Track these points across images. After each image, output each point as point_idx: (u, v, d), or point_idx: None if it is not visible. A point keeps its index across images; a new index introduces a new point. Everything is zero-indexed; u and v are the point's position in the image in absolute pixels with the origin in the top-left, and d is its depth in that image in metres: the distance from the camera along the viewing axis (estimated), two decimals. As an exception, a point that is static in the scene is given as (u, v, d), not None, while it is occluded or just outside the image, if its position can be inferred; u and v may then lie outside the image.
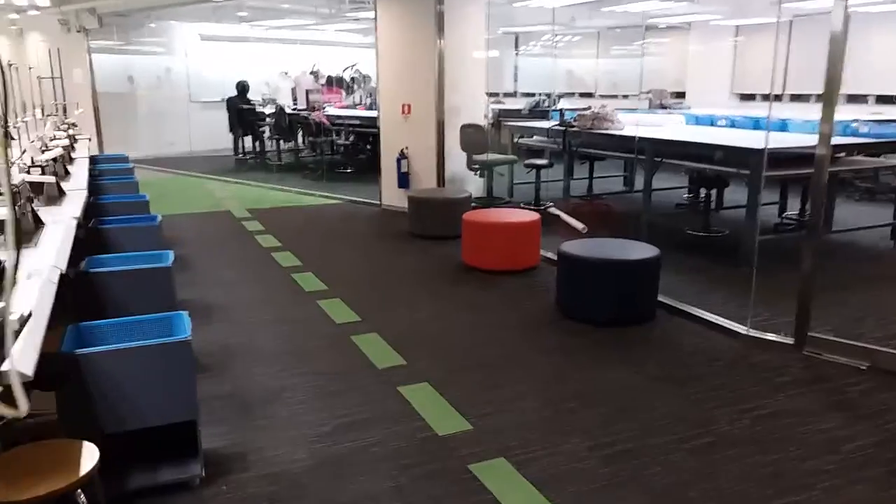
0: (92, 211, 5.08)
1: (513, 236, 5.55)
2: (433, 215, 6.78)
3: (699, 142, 6.17)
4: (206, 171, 11.02)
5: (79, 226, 4.50)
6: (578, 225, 6.81)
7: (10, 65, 9.05)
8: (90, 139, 8.91)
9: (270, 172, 11.28)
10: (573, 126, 7.30)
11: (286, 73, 14.29)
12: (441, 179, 7.77)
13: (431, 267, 5.80)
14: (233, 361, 3.85)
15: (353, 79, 15.19)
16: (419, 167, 7.92)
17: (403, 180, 7.99)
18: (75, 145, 7.53)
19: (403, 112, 7.89)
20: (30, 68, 8.92)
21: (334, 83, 14.55)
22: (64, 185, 4.76)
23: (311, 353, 3.98)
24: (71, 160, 6.15)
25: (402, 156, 7.94)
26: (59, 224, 3.40)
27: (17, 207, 3.06)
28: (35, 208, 3.36)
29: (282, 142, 12.27)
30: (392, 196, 8.15)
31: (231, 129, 12.39)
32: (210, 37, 14.09)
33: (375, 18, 7.97)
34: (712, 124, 7.85)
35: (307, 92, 12.10)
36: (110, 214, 5.17)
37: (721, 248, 6.42)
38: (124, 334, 2.77)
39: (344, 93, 14.46)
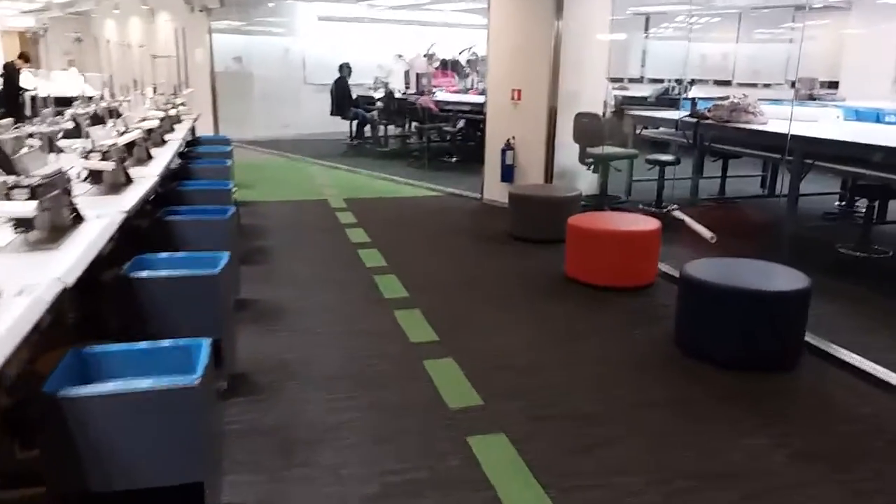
0: (166, 199, 4.79)
1: (627, 247, 4.76)
2: (536, 215, 6.06)
3: (877, 145, 4.99)
4: (314, 155, 10.80)
5: (144, 216, 4.20)
6: (706, 233, 5.87)
7: (126, 44, 9.18)
8: (196, 119, 8.83)
9: (376, 159, 10.91)
10: (707, 118, 6.33)
11: (400, 56, 13.89)
12: (549, 174, 7.03)
13: (528, 277, 5.11)
14: (286, 384, 3.36)
15: (468, 62, 14.63)
16: (526, 159, 7.21)
17: (507, 173, 7.31)
18: (176, 125, 7.40)
19: (513, 98, 7.19)
20: (140, 46, 9.03)
21: (449, 66, 14.02)
22: (139, 169, 4.48)
23: (374, 380, 3.42)
24: (162, 141, 5.94)
25: (508, 146, 7.25)
26: (103, 219, 3.02)
27: (44, 201, 2.60)
28: (74, 202, 2.99)
29: (391, 127, 11.88)
30: (494, 190, 7.50)
31: (338, 112, 12.12)
32: (327, 17, 13.91)
33: (488, -4, 7.32)
34: (878, 120, 6.62)
35: (418, 76, 11.63)
36: (185, 203, 4.86)
37: (885, 273, 5.31)
38: (133, 364, 2.27)
39: (457, 77, 13.92)
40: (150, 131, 5.64)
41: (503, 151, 7.27)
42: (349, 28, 14.12)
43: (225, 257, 3.20)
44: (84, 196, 3.50)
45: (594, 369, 3.58)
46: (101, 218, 3.02)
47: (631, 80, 14.14)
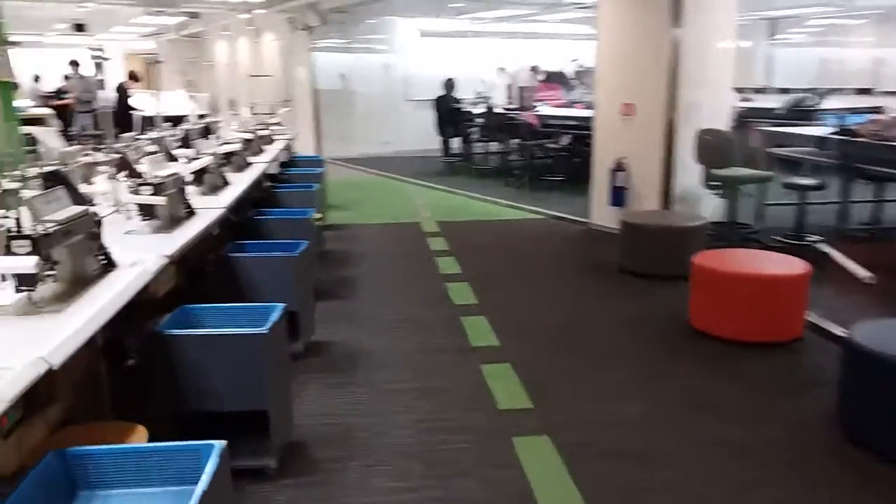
0: (240, 229, 4.42)
1: (768, 295, 3.89)
2: (652, 247, 5.28)
3: None
4: (412, 174, 10.39)
5: (210, 250, 3.80)
6: (862, 273, 4.91)
7: (228, 64, 9.13)
8: (293, 138, 8.61)
9: (474, 178, 10.36)
10: (860, 135, 5.34)
11: (503, 69, 13.33)
12: (666, 198, 6.20)
13: (642, 325, 4.35)
14: (347, 463, 2.80)
15: (575, 74, 13.90)
16: (639, 181, 6.41)
17: (618, 197, 6.53)
18: (268, 146, 7.15)
19: (624, 113, 6.43)
20: (229, 65, 8.99)
21: (553, 79, 13.33)
22: (208, 199, 4.12)
23: (452, 463, 2.80)
24: (246, 165, 5.62)
25: (619, 166, 6.48)
26: (135, 268, 2.58)
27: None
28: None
29: (491, 144, 11.30)
30: (602, 214, 6.74)
31: (439, 130, 11.67)
32: (429, 32, 13.57)
33: (599, 1, 6.62)
34: None
35: (521, 89, 11.01)
36: (260, 233, 4.48)
37: None
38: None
39: (563, 89, 13.20)
40: (230, 154, 5.34)
41: (613, 172, 6.51)
42: (451, 43, 13.72)
43: (277, 311, 2.68)
44: (131, 235, 3.13)
45: (732, 463, 2.80)
46: (135, 266, 2.58)
47: (755, 90, 12.91)
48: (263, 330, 2.51)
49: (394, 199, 8.88)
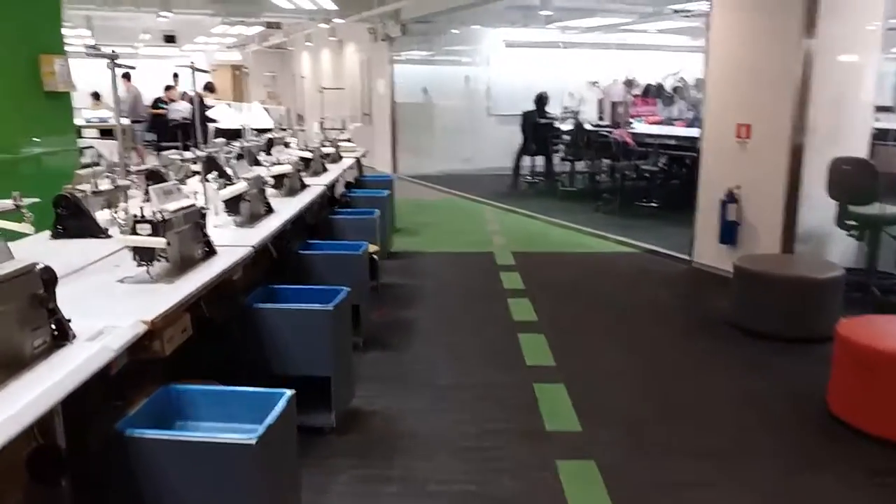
0: (278, 267, 3.80)
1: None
2: (775, 302, 4.29)
3: None
4: (490, 195, 9.61)
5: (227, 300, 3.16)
6: None
7: (301, 76, 8.70)
8: (363, 155, 8.03)
9: (557, 200, 9.49)
10: None
11: (595, 83, 12.40)
12: (788, 238, 5.18)
13: (764, 409, 3.40)
14: None
15: (674, 89, 12.82)
16: (755, 216, 5.42)
17: (729, 233, 5.55)
18: (332, 165, 6.57)
19: (739, 135, 5.46)
20: (302, 77, 8.59)
21: (650, 93, 12.30)
22: (239, 233, 3.48)
23: None
24: (300, 187, 5.02)
25: (731, 198, 5.51)
26: (97, 342, 1.92)
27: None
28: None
29: (578, 163, 10.40)
30: (709, 252, 5.77)
31: (523, 148, 10.85)
32: (515, 43, 12.80)
33: (711, 8, 5.69)
34: None
35: (613, 105, 10.08)
36: (300, 275, 3.84)
37: None
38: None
39: (660, 105, 12.16)
40: (282, 177, 4.73)
41: (723, 203, 5.53)
42: (538, 54, 12.91)
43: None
44: (126, 283, 2.50)
45: None
46: (96, 341, 1.93)
47: (880, 109, 11.42)
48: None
49: (467, 224, 8.13)
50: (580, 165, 10.34)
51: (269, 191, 4.54)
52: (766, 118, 5.25)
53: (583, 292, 5.37)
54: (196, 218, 2.70)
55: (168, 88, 13.73)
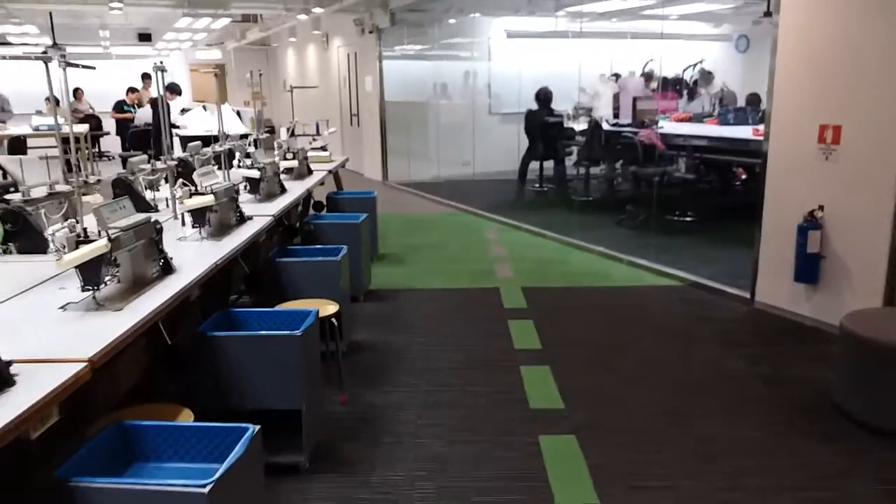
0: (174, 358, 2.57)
1: None
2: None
3: None
4: (492, 206, 8.28)
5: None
6: None
7: (260, 74, 7.38)
8: (341, 165, 6.70)
9: (572, 212, 8.15)
10: None
11: (610, 77, 11.02)
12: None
13: None
14: None
15: (695, 81, 11.48)
16: (847, 247, 4.08)
17: (808, 269, 4.22)
18: (294, 183, 5.29)
19: (822, 140, 4.12)
20: (284, 82, 7.35)
21: (669, 87, 10.93)
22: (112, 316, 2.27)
23: None
24: (240, 219, 3.70)
25: (812, 222, 4.17)
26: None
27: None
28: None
29: (593, 168, 9.05)
30: (780, 290, 4.44)
31: (529, 151, 9.51)
32: (517, 33, 11.42)
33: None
34: None
35: (634, 100, 8.73)
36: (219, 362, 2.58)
37: None
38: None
39: (681, 100, 10.82)
40: (202, 211, 3.41)
41: (801, 230, 4.20)
42: (544, 45, 11.51)
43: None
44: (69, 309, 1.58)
45: None
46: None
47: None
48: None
49: (466, 246, 6.77)
50: (593, 169, 9.00)
51: (188, 231, 3.39)
52: (863, 117, 3.91)
53: (620, 354, 4.02)
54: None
55: (131, 91, 12.46)
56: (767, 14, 9.33)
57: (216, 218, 3.49)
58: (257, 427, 1.94)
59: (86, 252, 2.21)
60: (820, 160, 4.14)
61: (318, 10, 9.83)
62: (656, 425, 3.17)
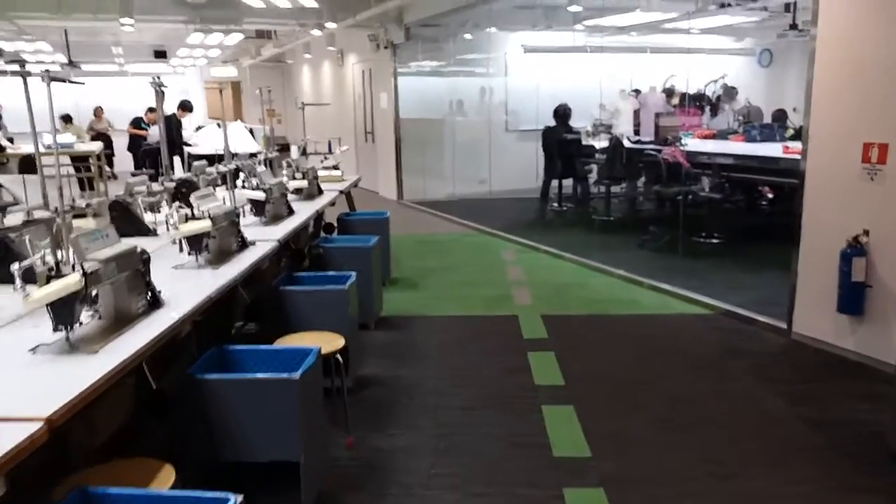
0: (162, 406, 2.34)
1: None
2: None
3: None
4: (510, 226, 8.01)
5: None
6: None
7: (269, 90, 7.20)
8: (353, 186, 6.46)
9: (591, 233, 7.86)
10: None
11: (630, 92, 10.75)
12: (956, 311, 3.52)
13: None
14: None
15: (717, 97, 11.21)
16: (894, 274, 3.76)
17: (853, 299, 3.90)
18: (304, 204, 5.07)
19: (867, 159, 3.82)
20: (296, 100, 7.24)
21: (690, 103, 10.63)
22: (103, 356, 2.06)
23: None
24: (242, 244, 3.47)
25: (856, 248, 3.86)
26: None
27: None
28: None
29: (613, 187, 8.75)
30: (821, 322, 4.12)
31: (548, 170, 9.23)
32: (535, 48, 11.20)
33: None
34: None
35: (657, 117, 8.45)
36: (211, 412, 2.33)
37: None
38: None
39: (705, 116, 10.53)
40: (199, 238, 3.19)
41: (845, 256, 3.88)
42: (563, 60, 11.27)
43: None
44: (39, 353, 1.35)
45: None
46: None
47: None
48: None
49: (483, 269, 6.50)
50: (613, 188, 8.71)
51: (185, 258, 3.17)
52: (913, 134, 3.61)
53: (648, 391, 3.71)
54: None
55: (151, 111, 12.38)
56: (793, 27, 9.10)
57: (215, 244, 3.26)
58: (239, 497, 1.69)
59: (54, 290, 1.96)
60: (864, 181, 3.83)
61: (331, 24, 9.67)
62: (691, 475, 2.87)
